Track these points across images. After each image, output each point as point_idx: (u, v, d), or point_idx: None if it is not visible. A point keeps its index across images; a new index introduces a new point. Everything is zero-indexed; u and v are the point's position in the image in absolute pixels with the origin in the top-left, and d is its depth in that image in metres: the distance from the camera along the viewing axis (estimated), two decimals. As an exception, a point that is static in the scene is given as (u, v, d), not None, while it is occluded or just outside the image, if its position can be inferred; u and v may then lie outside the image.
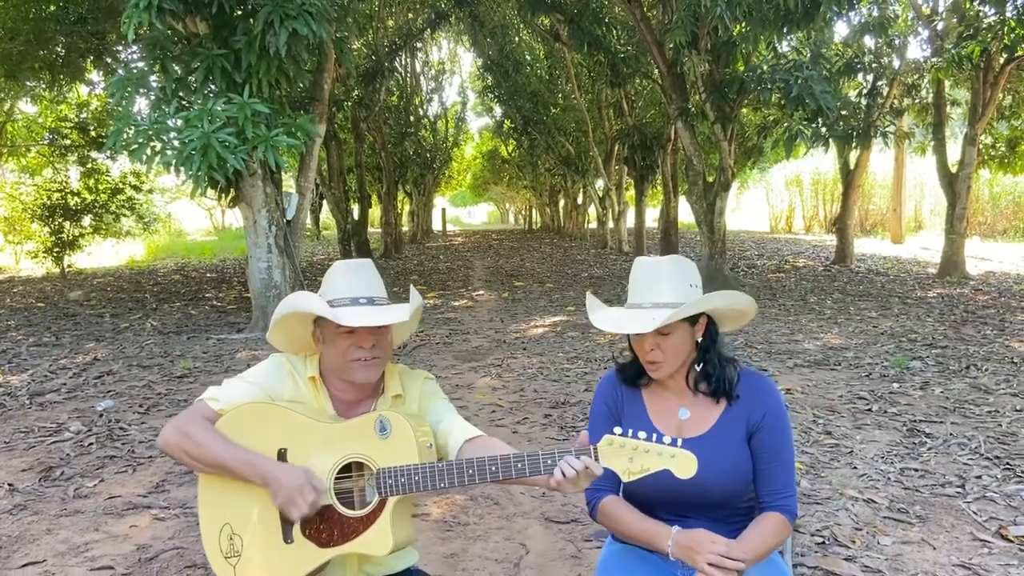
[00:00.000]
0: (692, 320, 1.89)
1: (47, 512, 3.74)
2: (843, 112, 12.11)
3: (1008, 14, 10.95)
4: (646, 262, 1.93)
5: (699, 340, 1.91)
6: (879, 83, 14.46)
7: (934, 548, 3.17)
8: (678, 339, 1.86)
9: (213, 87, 8.03)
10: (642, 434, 1.63)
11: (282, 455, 1.85)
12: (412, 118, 26.60)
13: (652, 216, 29.50)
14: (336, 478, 1.83)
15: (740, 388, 1.92)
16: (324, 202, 20.90)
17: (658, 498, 1.93)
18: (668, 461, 1.61)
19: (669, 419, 1.95)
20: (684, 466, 1.61)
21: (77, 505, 3.83)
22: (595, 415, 2.06)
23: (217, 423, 1.87)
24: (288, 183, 14.63)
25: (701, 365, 1.92)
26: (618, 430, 1.64)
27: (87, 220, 17.76)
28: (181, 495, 3.92)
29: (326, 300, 1.93)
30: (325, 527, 1.81)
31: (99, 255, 21.87)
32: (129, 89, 7.93)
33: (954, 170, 12.81)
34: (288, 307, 1.97)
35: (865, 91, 14.74)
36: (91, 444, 4.82)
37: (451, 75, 33.09)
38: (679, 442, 1.62)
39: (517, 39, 23.91)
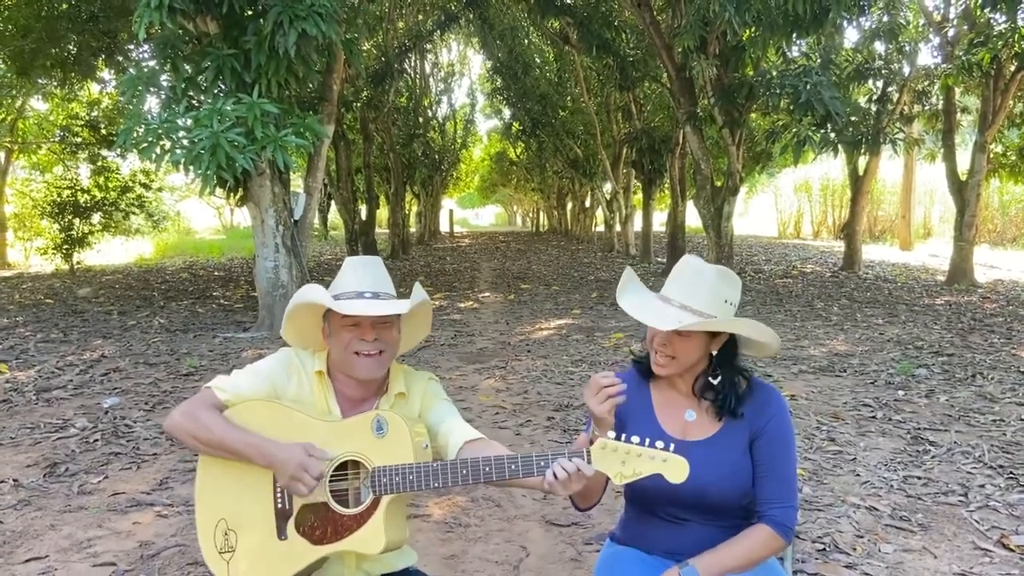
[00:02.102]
0: (712, 333, 1.89)
1: (51, 508, 3.77)
2: (852, 118, 12.08)
3: (1020, 22, 10.91)
4: (694, 263, 1.92)
5: (713, 353, 1.91)
6: (889, 89, 14.41)
7: (935, 556, 3.17)
8: (692, 346, 1.86)
9: (223, 87, 8.07)
10: (635, 438, 1.64)
11: None
12: (421, 119, 26.65)
13: (660, 220, 29.45)
14: (332, 477, 1.85)
15: (748, 401, 1.92)
16: (332, 202, 20.98)
17: (657, 499, 1.95)
18: (660, 466, 1.62)
19: (675, 419, 1.96)
20: (676, 471, 1.62)
21: (81, 501, 3.86)
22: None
23: (223, 415, 1.91)
24: (296, 183, 14.69)
25: (717, 379, 1.91)
26: (611, 434, 1.65)
27: (97, 217, 17.84)
28: (185, 492, 3.95)
29: (333, 294, 1.97)
30: (319, 524, 1.83)
31: (108, 252, 21.97)
32: (140, 88, 7.97)
33: (964, 178, 12.76)
34: (296, 300, 2.02)
35: (875, 97, 14.70)
36: (96, 441, 4.85)
37: (460, 77, 33.14)
38: (672, 447, 1.63)
39: (527, 41, 23.94)
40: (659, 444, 1.63)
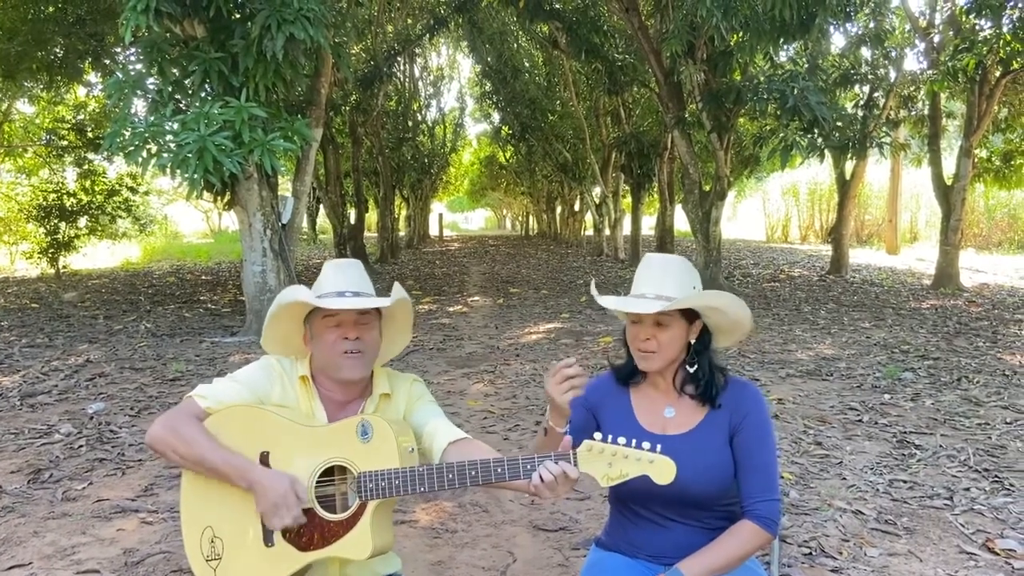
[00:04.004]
0: (689, 319, 1.93)
1: (35, 514, 3.73)
2: (839, 123, 12.17)
3: (1004, 28, 11.01)
4: (656, 257, 2.00)
5: (691, 342, 1.95)
6: (875, 94, 14.52)
7: (920, 560, 3.18)
8: (673, 333, 1.91)
9: (210, 90, 8.04)
10: (621, 439, 1.64)
11: (264, 458, 1.86)
12: (410, 123, 26.63)
13: (648, 224, 29.56)
14: (318, 482, 1.84)
15: (726, 395, 1.96)
16: (320, 206, 20.96)
17: (641, 497, 1.97)
18: (647, 467, 1.62)
19: (654, 416, 1.99)
20: (663, 472, 1.62)
21: (65, 508, 3.83)
22: (574, 408, 2.07)
23: (204, 423, 1.89)
24: (284, 187, 14.65)
25: (692, 368, 1.95)
26: (598, 435, 1.66)
27: (83, 221, 17.75)
28: (169, 499, 3.92)
29: (315, 295, 1.97)
30: (306, 531, 1.83)
31: (94, 256, 21.84)
32: (126, 91, 7.92)
33: (949, 182, 12.85)
34: (279, 301, 2.01)
35: (861, 102, 14.80)
36: (81, 446, 4.81)
37: (450, 81, 33.16)
38: (659, 448, 1.63)
39: (516, 46, 23.97)
40: (645, 445, 1.63)
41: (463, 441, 1.95)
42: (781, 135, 10.38)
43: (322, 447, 1.85)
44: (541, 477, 1.67)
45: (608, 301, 1.95)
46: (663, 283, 1.92)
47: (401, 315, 2.14)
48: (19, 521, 3.65)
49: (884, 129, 14.14)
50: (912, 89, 15.10)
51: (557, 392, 1.76)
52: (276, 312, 2.02)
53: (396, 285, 2.07)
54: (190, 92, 8.12)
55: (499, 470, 1.72)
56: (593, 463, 1.66)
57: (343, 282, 2.00)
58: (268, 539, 1.84)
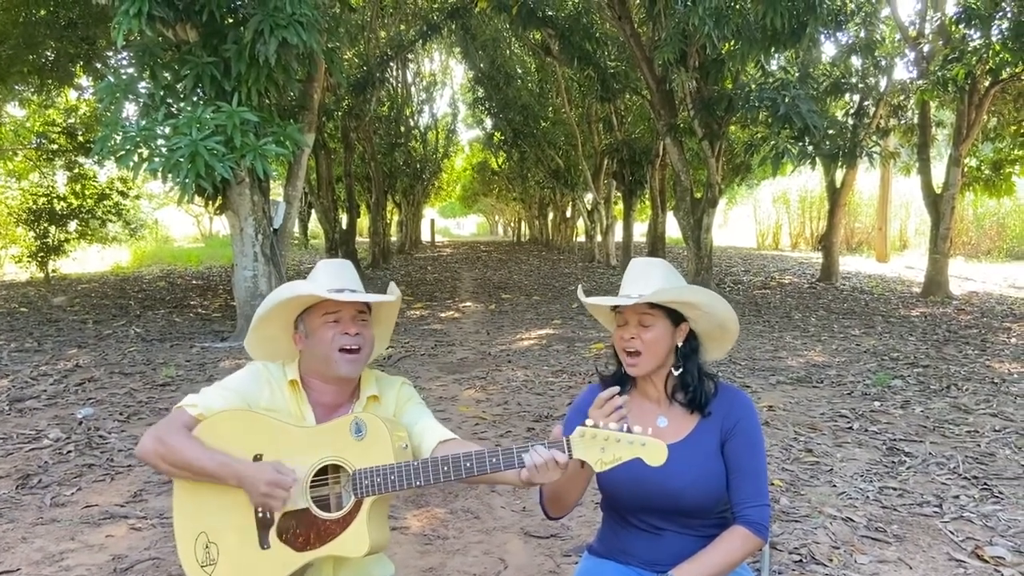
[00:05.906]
0: (674, 321, 1.95)
1: (23, 520, 3.71)
2: (829, 131, 12.22)
3: (993, 38, 11.09)
4: (640, 260, 2.03)
5: (679, 345, 1.96)
6: (865, 103, 14.62)
7: (910, 567, 3.19)
8: (658, 334, 1.93)
9: (202, 94, 8.02)
10: (613, 424, 1.65)
11: (258, 460, 1.86)
12: (402, 128, 26.63)
13: (640, 231, 29.59)
14: (312, 483, 1.84)
15: (716, 403, 1.97)
16: (312, 211, 20.95)
17: (633, 507, 1.97)
18: (639, 450, 1.64)
19: (647, 427, 1.98)
20: (654, 454, 1.63)
21: (53, 514, 3.80)
22: (568, 421, 2.08)
23: (195, 430, 1.89)
24: (276, 191, 14.62)
25: (680, 372, 1.96)
26: (589, 422, 1.67)
27: (73, 225, 17.64)
28: (159, 505, 3.90)
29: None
30: (302, 531, 1.82)
31: (84, 260, 21.72)
32: (118, 95, 7.90)
33: (939, 191, 12.93)
34: (274, 299, 1.99)
35: (852, 111, 14.90)
36: (70, 452, 4.78)
37: (442, 87, 33.18)
38: (649, 430, 1.65)
39: (508, 52, 24.03)
40: (636, 429, 1.64)
41: (452, 441, 1.96)
42: (772, 143, 10.42)
43: (316, 447, 1.85)
44: (534, 463, 1.68)
45: (592, 300, 1.99)
46: (647, 282, 1.94)
47: (387, 318, 2.17)
48: (7, 527, 3.62)
49: (874, 138, 14.22)
50: (902, 98, 15.21)
51: (609, 423, 1.73)
52: (272, 309, 2.01)
53: (392, 284, 2.10)
54: (182, 96, 8.10)
55: (494, 460, 1.73)
56: (587, 449, 1.67)
57: (340, 280, 2.01)
58: (264, 541, 1.84)
